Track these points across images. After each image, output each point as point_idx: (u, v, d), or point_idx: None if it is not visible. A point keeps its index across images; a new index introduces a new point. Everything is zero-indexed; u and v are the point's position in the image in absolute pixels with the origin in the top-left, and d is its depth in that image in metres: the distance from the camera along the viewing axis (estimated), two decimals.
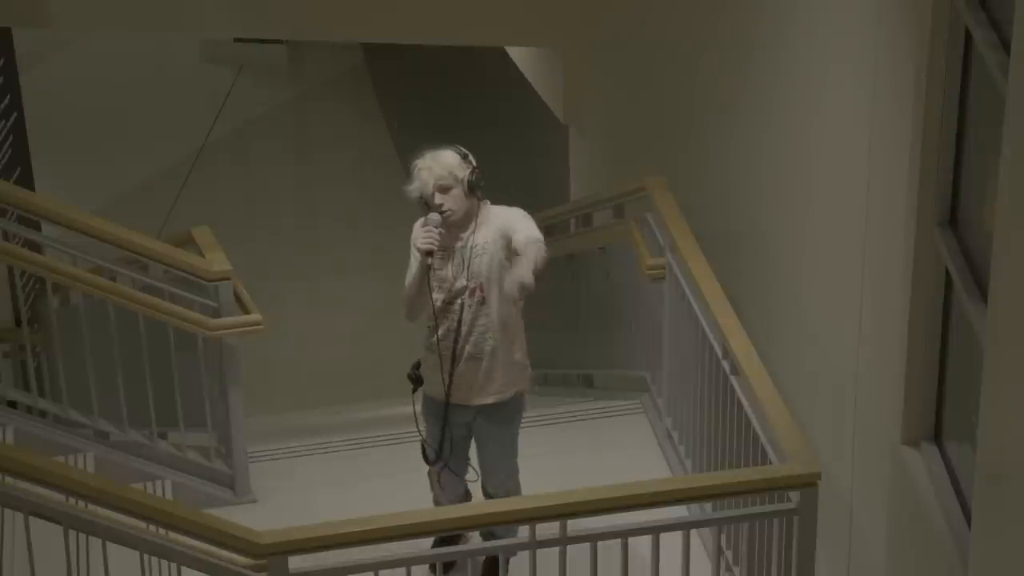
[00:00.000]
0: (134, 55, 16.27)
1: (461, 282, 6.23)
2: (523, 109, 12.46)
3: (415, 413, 6.43)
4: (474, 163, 6.22)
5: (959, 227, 5.07)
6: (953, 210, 5.10)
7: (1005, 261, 3.96)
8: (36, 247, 7.44)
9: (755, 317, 6.82)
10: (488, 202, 6.29)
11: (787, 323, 6.72)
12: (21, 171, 9.84)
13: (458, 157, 6.20)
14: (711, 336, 6.57)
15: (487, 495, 6.53)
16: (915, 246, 5.18)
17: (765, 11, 6.69)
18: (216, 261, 7.09)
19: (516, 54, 11.39)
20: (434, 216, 6.18)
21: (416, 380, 6.43)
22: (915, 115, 5.08)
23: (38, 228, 7.74)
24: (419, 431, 6.45)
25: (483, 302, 6.23)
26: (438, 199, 6.17)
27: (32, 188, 9.78)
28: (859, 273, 5.80)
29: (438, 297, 6.24)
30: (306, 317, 12.65)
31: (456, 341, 6.26)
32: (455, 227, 6.22)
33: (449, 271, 6.24)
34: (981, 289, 4.74)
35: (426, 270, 6.18)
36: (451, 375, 6.29)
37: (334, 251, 13.69)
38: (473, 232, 6.23)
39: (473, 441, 6.53)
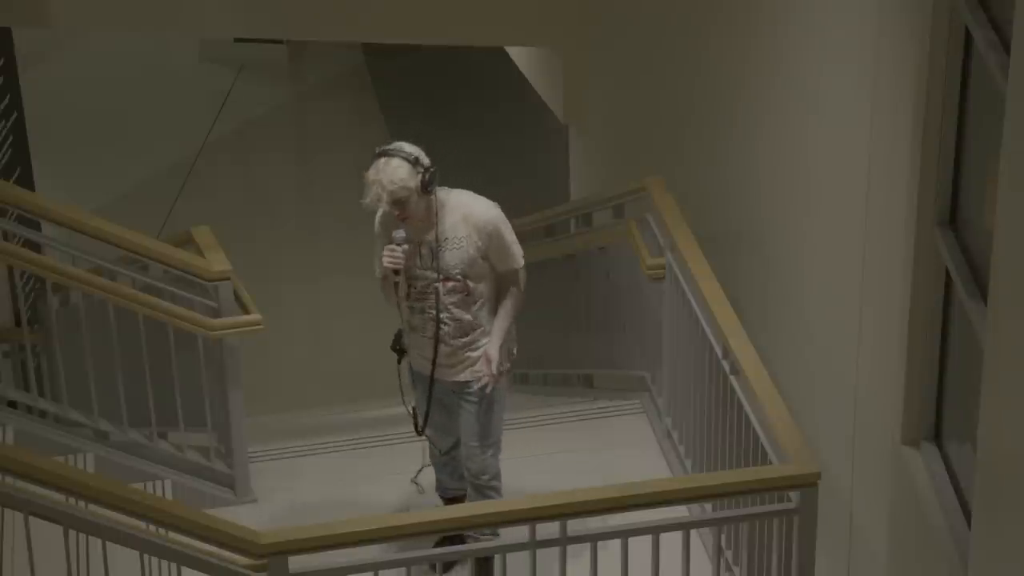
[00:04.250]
0: (134, 55, 16.25)
1: (431, 273, 6.22)
2: (523, 109, 12.47)
3: (400, 384, 6.46)
4: (425, 163, 6.03)
5: (959, 227, 5.07)
6: (953, 210, 5.10)
7: (1005, 261, 3.96)
8: (36, 247, 7.44)
9: (755, 317, 6.82)
10: (445, 189, 6.20)
11: (787, 323, 6.71)
12: (21, 171, 9.83)
13: (407, 165, 5.98)
14: (711, 336, 6.56)
15: (464, 467, 6.55)
16: (915, 246, 5.18)
17: (765, 11, 6.69)
18: (216, 261, 7.08)
19: (516, 54, 11.38)
20: (398, 234, 6.11)
21: (400, 352, 6.47)
22: (915, 115, 5.08)
23: (38, 228, 7.73)
24: (404, 403, 6.47)
25: (467, 293, 6.24)
26: (396, 212, 6.06)
27: (32, 188, 9.77)
28: (859, 273, 5.79)
29: (406, 285, 6.25)
30: (306, 317, 12.64)
31: (438, 328, 6.26)
32: (418, 223, 6.17)
33: (416, 261, 6.23)
34: (981, 289, 4.75)
35: (393, 286, 6.22)
36: (435, 353, 6.31)
37: (334, 252, 13.67)
38: (436, 223, 6.18)
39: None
